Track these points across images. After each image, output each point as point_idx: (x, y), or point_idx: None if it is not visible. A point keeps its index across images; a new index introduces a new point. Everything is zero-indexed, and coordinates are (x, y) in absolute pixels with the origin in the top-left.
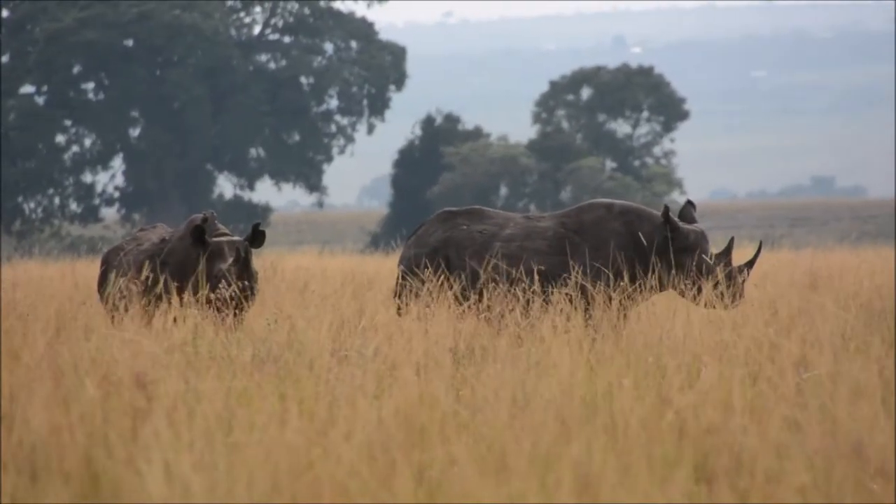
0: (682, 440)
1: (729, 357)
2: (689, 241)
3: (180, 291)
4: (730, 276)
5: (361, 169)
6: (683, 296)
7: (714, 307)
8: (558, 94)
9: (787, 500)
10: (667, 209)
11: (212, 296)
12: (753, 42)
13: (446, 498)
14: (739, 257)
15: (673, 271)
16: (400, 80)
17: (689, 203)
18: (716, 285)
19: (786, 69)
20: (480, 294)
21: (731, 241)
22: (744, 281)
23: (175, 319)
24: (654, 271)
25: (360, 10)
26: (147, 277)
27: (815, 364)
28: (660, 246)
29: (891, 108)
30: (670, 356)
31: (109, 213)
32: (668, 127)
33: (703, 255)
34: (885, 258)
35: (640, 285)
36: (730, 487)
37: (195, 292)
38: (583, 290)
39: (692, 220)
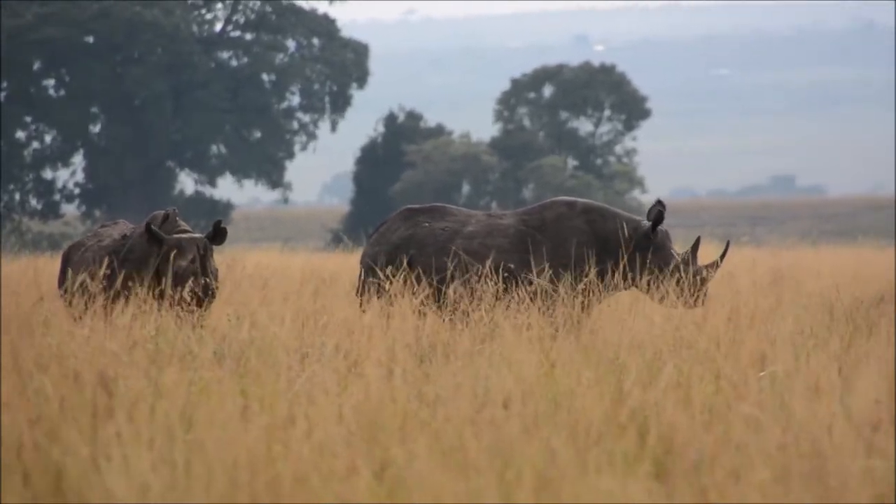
0: (642, 438)
1: (689, 355)
2: (655, 240)
3: (141, 288)
4: (695, 276)
5: (323, 166)
6: (647, 294)
7: (677, 306)
8: (520, 92)
9: (747, 498)
10: (660, 215)
11: (172, 293)
12: (716, 41)
13: (407, 495)
14: (702, 256)
15: (636, 269)
16: (362, 78)
17: (659, 203)
18: (679, 284)
19: (748, 68)
20: (441, 290)
21: (698, 240)
22: (708, 280)
23: (136, 316)
24: (616, 269)
25: (322, 8)
26: (107, 274)
27: (774, 362)
28: (622, 244)
29: (851, 108)
30: (631, 354)
31: (70, 210)
32: (629, 125)
33: (668, 254)
34: (844, 257)
35: (602, 283)
36: (689, 485)
37: (155, 289)
38: (544, 287)
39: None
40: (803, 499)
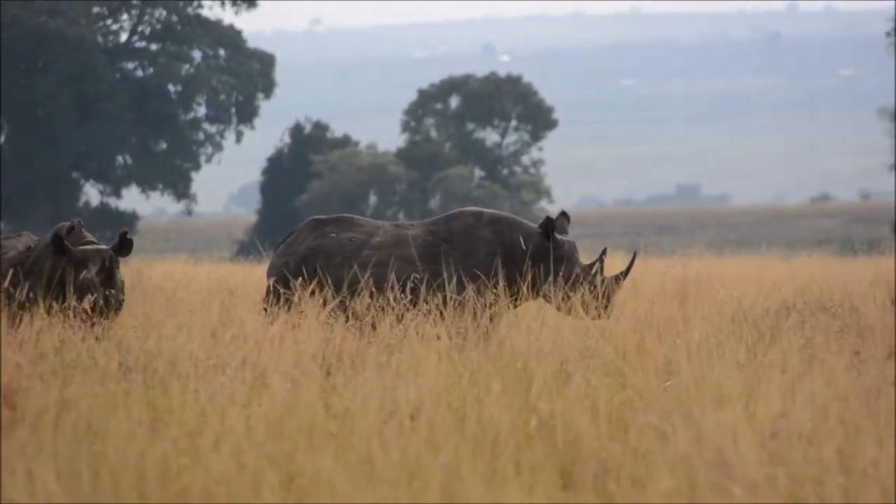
0: (549, 447)
1: (596, 364)
2: (562, 251)
3: (46, 300)
4: (602, 287)
5: (229, 176)
6: (554, 305)
7: (583, 318)
8: (427, 102)
9: None
10: (550, 221)
11: (77, 305)
12: (621, 51)
13: None
14: (609, 266)
15: (543, 280)
16: (268, 88)
17: (564, 214)
18: (585, 295)
19: (653, 78)
20: (349, 301)
21: (604, 251)
22: (615, 291)
23: (41, 329)
24: (524, 280)
25: (228, 18)
26: (11, 286)
27: (680, 371)
28: (530, 255)
29: (755, 117)
30: (538, 363)
31: None
32: (536, 136)
33: (575, 265)
34: (749, 266)
35: (509, 294)
36: (595, 494)
37: (61, 301)
38: (452, 298)
39: (563, 232)
40: None
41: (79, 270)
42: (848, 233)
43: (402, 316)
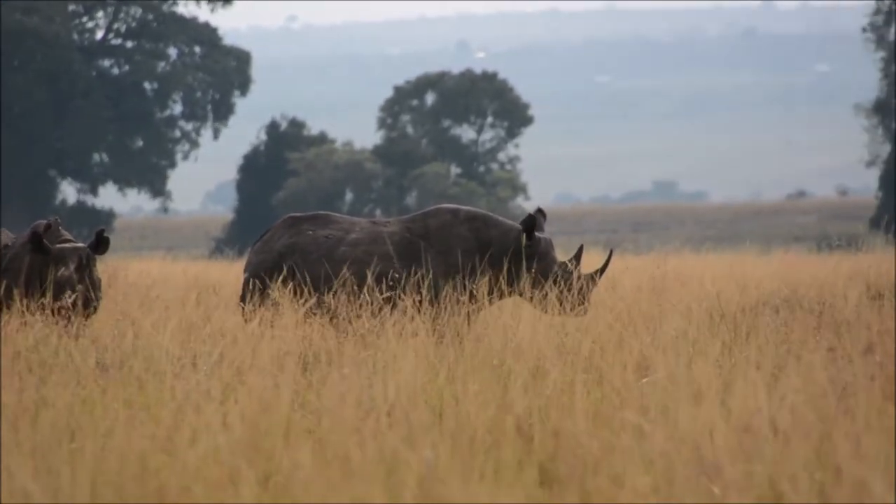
0: (526, 444)
1: (573, 361)
2: (538, 248)
3: (23, 298)
4: (578, 284)
5: (206, 174)
6: (532, 302)
7: (560, 314)
8: (403, 99)
9: (629, 502)
10: (532, 219)
11: (54, 302)
12: (597, 47)
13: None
14: (585, 263)
15: (520, 277)
16: (244, 85)
17: (540, 211)
18: (562, 293)
19: (629, 74)
20: (325, 298)
21: (581, 248)
22: (591, 289)
23: (18, 327)
24: (500, 276)
25: (204, 15)
26: None
27: (657, 367)
28: (506, 252)
29: (731, 113)
30: (515, 360)
31: None
32: (512, 132)
33: (551, 262)
34: (726, 262)
35: (486, 290)
36: (573, 491)
37: (38, 299)
38: (429, 294)
39: (540, 229)
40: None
41: (57, 268)
42: (824, 229)
43: (379, 312)
